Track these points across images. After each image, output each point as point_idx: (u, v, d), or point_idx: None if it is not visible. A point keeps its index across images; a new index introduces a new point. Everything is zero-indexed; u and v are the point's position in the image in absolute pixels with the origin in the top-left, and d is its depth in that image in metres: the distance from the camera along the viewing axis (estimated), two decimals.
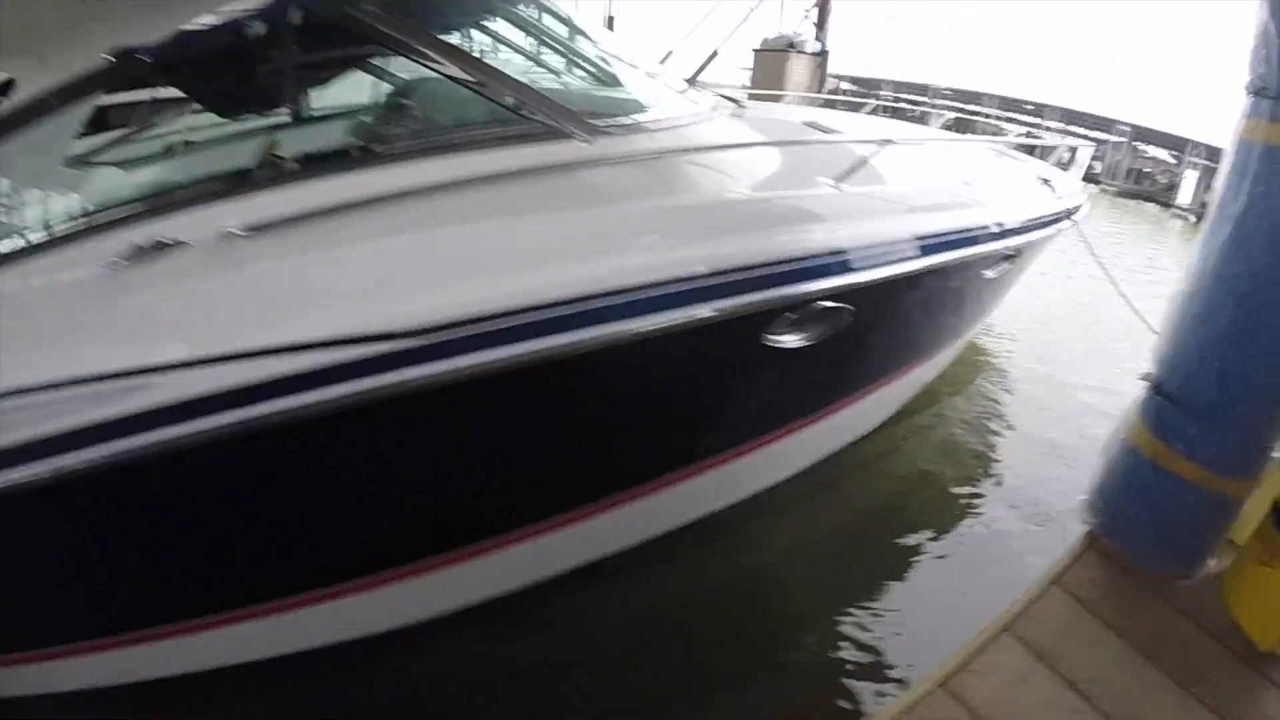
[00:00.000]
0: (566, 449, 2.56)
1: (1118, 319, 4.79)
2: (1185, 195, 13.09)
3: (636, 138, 2.54)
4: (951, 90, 21.92)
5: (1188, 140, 13.47)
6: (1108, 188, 14.95)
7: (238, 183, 2.11)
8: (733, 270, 2.36)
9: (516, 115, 2.31)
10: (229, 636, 2.36)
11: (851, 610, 2.97)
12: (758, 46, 11.16)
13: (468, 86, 2.31)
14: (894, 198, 3.23)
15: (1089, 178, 15.68)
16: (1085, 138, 17.16)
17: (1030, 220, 4.00)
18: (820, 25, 10.95)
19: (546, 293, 2.06)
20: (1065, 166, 5.27)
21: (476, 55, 2.55)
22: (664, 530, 3.15)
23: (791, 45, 10.55)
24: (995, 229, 3.58)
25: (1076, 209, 4.67)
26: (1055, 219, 4.27)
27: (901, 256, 2.94)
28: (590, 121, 2.40)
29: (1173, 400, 2.54)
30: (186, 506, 2.07)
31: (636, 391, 2.51)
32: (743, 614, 2.99)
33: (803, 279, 2.55)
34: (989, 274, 3.86)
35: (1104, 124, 15.89)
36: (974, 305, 4.30)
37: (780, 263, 2.49)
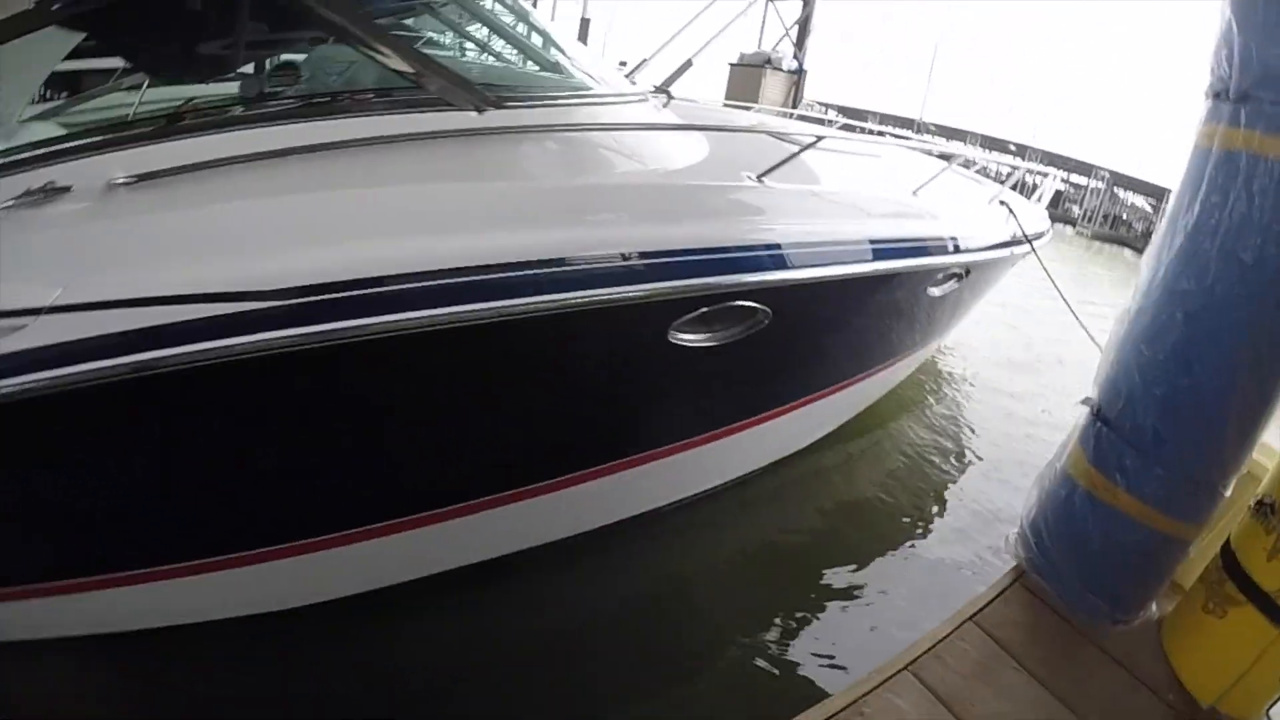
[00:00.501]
0: (437, 437, 2.36)
1: (1086, 356, 4.69)
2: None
3: (536, 112, 2.42)
4: (936, 126, 22.20)
5: (1166, 189, 13.51)
6: (1083, 231, 15.02)
7: (125, 133, 2.03)
8: (619, 257, 2.21)
9: (406, 81, 2.20)
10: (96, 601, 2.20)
11: (762, 632, 2.76)
12: (734, 61, 11.05)
13: (357, 48, 2.21)
14: (826, 199, 3.06)
15: (1065, 219, 15.90)
16: (1065, 181, 17.39)
17: (983, 239, 3.83)
18: (799, 44, 10.84)
19: (405, 264, 1.91)
20: (1030, 195, 5.20)
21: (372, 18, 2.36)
22: (563, 534, 2.94)
23: (768, 62, 10.44)
24: (940, 243, 3.39)
25: (1039, 235, 4.52)
26: (1012, 242, 4.10)
27: (826, 259, 2.75)
28: (486, 93, 2.27)
29: (1112, 427, 2.31)
30: (43, 459, 1.93)
31: (509, 380, 2.32)
32: (649, 629, 2.76)
33: (699, 272, 2.36)
34: (935, 291, 3.65)
35: (1084, 168, 16.08)
36: (920, 324, 4.10)
37: (677, 253, 2.32)
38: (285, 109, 2.18)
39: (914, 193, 3.45)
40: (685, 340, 2.53)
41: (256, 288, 1.79)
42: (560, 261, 2.10)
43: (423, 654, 2.46)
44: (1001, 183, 4.62)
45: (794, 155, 2.82)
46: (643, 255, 2.26)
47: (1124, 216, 14.94)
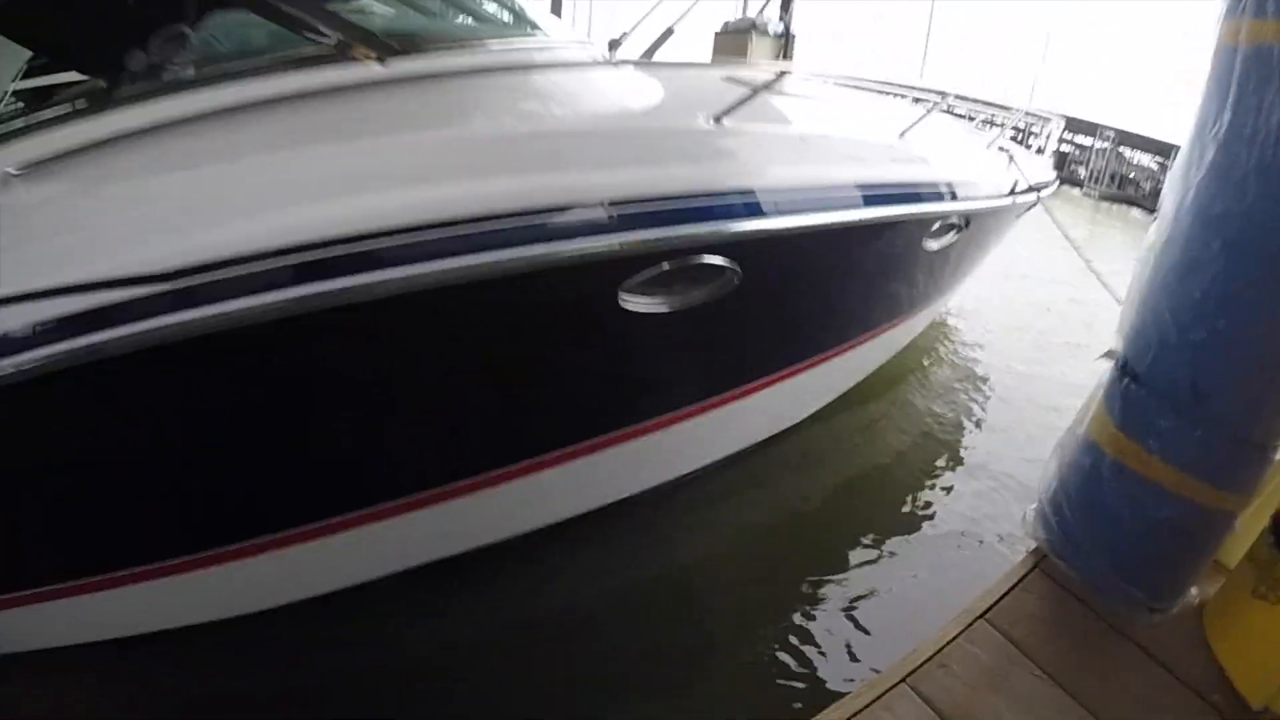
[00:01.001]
0: (366, 419, 2.14)
1: (1103, 314, 4.39)
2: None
3: (449, 58, 2.22)
4: (936, 91, 21.61)
5: (1173, 146, 13.07)
6: (1090, 192, 14.60)
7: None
8: (546, 210, 1.95)
9: (303, 39, 2.06)
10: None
11: (770, 618, 2.60)
12: (719, 30, 10.67)
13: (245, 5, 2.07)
14: (800, 141, 2.72)
15: (1072, 181, 15.43)
16: (1069, 143, 16.89)
17: (983, 187, 3.49)
18: (785, 7, 10.41)
19: (308, 232, 1.74)
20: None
21: None
22: (533, 525, 2.73)
23: (754, 27, 10.03)
24: (934, 189, 3.06)
25: (1044, 185, 4.17)
26: (1015, 190, 3.76)
27: (804, 206, 2.45)
28: (392, 42, 2.09)
29: (1141, 383, 1.96)
30: None
31: (442, 357, 2.08)
32: (652, 616, 2.61)
33: (650, 224, 2.09)
34: (932, 244, 3.31)
35: (1088, 128, 15.58)
36: (919, 282, 3.76)
37: (621, 203, 2.05)
38: (179, 80, 2.02)
39: (901, 135, 3.09)
40: (639, 305, 2.24)
41: (145, 272, 1.65)
42: (475, 219, 1.87)
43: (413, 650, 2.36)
44: (999, 128, 4.24)
45: (755, 93, 2.48)
46: (578, 207, 1.99)
47: (1131, 176, 14.48)
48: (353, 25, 2.08)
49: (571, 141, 2.13)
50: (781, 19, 10.29)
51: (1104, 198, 14.35)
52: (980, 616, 1.95)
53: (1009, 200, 3.72)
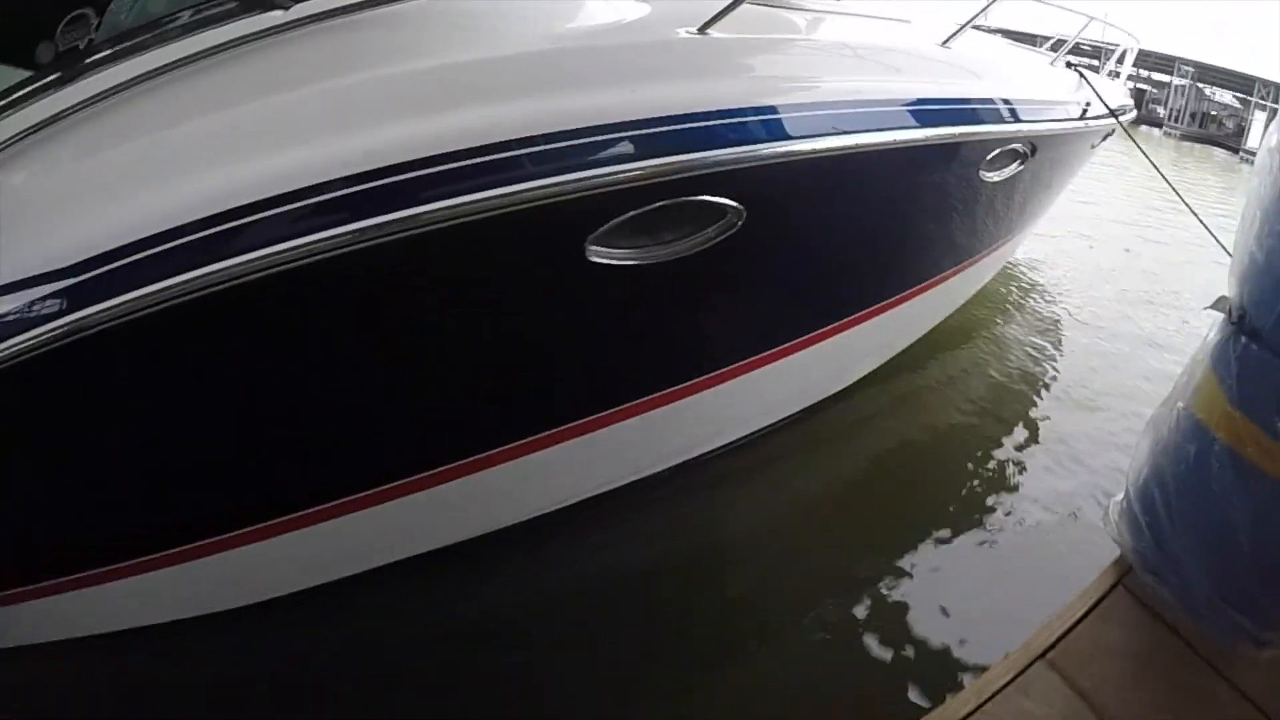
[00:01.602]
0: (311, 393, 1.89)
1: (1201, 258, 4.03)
2: (1254, 139, 11.68)
3: None
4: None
5: (1255, 79, 12.01)
6: (1170, 131, 13.61)
7: None
8: (478, 151, 1.65)
9: None
10: None
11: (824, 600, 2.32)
12: None
13: None
14: (811, 51, 2.30)
15: (1151, 120, 14.41)
16: (1148, 80, 15.73)
17: (1049, 109, 2.93)
18: None
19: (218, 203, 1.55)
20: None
21: None
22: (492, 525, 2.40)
23: None
24: (990, 106, 2.53)
25: (1122, 109, 3.57)
26: (1086, 114, 3.19)
27: (816, 129, 2.03)
28: None
29: (1266, 343, 1.44)
30: None
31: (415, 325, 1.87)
32: (703, 592, 2.37)
33: (616, 159, 1.75)
34: (991, 175, 2.77)
35: (1165, 64, 14.52)
36: (976, 221, 3.21)
37: (568, 135, 1.71)
38: (88, 61, 1.84)
39: (943, 44, 2.57)
40: (601, 257, 1.86)
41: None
42: (389, 170, 1.60)
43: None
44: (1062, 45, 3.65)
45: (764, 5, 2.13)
46: (518, 144, 1.67)
47: (1213, 114, 13.44)
48: None
49: (503, 68, 1.80)
50: None
51: (1185, 137, 13.35)
52: (1041, 656, 1.46)
53: (1081, 124, 3.17)
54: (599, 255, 1.86)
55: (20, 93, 1.80)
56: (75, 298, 1.51)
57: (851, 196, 2.32)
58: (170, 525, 1.97)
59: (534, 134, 1.67)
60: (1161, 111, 14.46)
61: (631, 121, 1.76)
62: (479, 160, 1.63)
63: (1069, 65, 3.34)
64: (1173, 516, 1.60)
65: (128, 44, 1.83)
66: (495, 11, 1.92)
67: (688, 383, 2.39)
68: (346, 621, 2.17)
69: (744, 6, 2.04)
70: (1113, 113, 3.32)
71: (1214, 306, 1.63)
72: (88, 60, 1.85)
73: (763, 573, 2.46)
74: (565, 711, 1.99)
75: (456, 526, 2.31)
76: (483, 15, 1.90)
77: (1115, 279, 5.22)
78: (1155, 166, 3.47)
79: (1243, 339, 1.50)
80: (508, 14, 1.93)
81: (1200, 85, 14.04)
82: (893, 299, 2.95)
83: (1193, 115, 13.81)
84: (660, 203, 1.84)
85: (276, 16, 1.74)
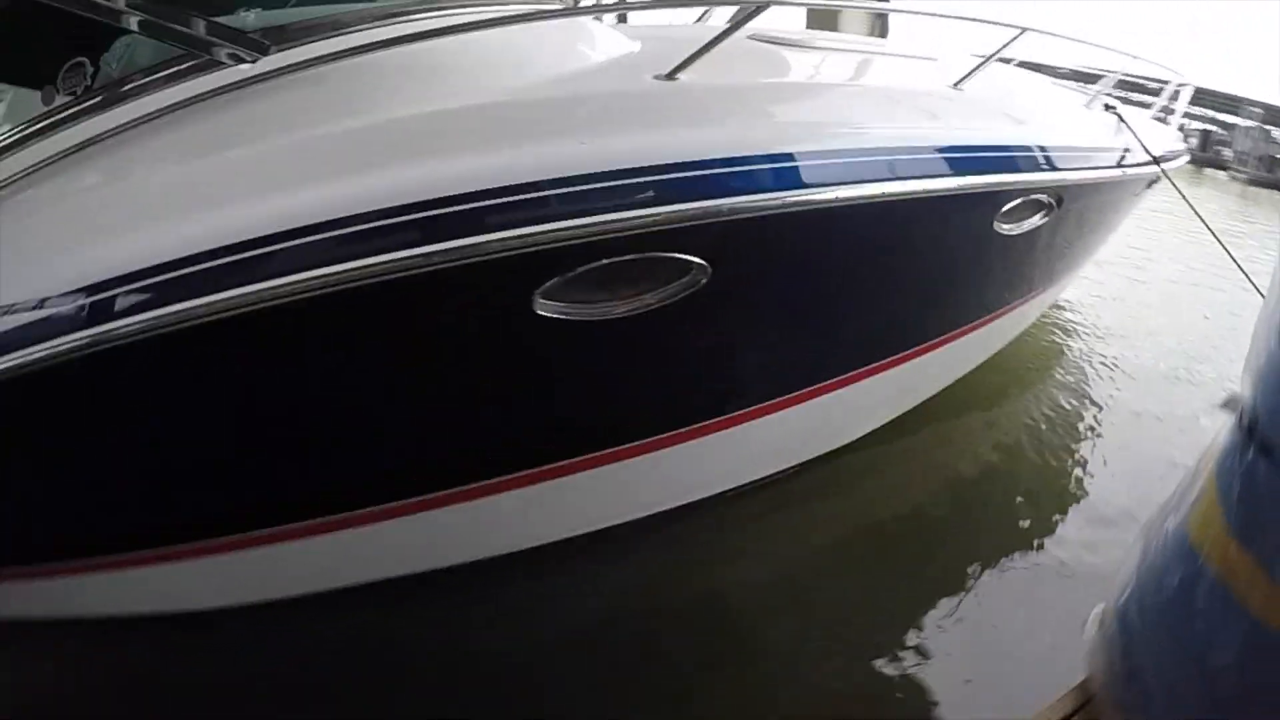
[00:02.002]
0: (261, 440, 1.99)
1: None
2: None
3: (329, 43, 1.94)
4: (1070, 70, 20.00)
5: None
6: (1237, 175, 13.08)
7: None
8: (425, 204, 1.67)
9: (179, 49, 1.96)
10: None
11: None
12: None
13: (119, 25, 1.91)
14: (791, 94, 2.25)
15: (1216, 163, 13.85)
16: (1214, 121, 15.16)
17: (1079, 154, 2.72)
18: None
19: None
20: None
21: None
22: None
23: None
24: (1004, 153, 2.35)
25: (1170, 156, 3.33)
26: (1126, 162, 2.96)
27: (779, 184, 1.94)
28: (261, 38, 1.91)
29: (1278, 462, 1.23)
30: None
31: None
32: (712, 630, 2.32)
33: (560, 214, 1.73)
34: (1008, 228, 2.56)
35: (1231, 104, 13.96)
36: (992, 277, 3.01)
37: (518, 189, 1.71)
38: (83, 107, 1.99)
39: (955, 85, 2.46)
40: (549, 310, 1.86)
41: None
42: (340, 223, 1.65)
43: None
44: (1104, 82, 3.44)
45: (723, 36, 1.99)
46: (467, 199, 1.67)
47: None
48: (220, 26, 1.91)
49: (452, 122, 1.84)
50: None
51: (1253, 182, 12.81)
52: None
53: (1118, 172, 2.94)
54: (547, 309, 1.84)
55: (25, 132, 1.99)
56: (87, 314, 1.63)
57: (832, 254, 2.20)
58: (182, 522, 2.08)
59: (474, 190, 1.67)
60: (1228, 153, 13.89)
61: (578, 176, 1.72)
62: (412, 217, 1.64)
63: (1108, 107, 3.10)
64: (1149, 647, 1.39)
65: (115, 92, 1.97)
66: (452, 64, 1.95)
67: (653, 438, 2.33)
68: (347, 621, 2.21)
69: (745, 42, 1.99)
70: (1155, 159, 3.10)
71: (1224, 406, 1.41)
72: (78, 108, 1.98)
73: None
74: None
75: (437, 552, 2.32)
76: (438, 68, 1.95)
77: (1160, 334, 5.01)
78: (1200, 218, 3.26)
79: (1250, 452, 1.28)
80: (465, 66, 1.97)
81: (1267, 127, 13.47)
82: (890, 359, 2.77)
83: (1260, 158, 13.21)
84: (605, 260, 1.80)
85: (242, 70, 1.86)
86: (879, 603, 2.45)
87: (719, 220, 1.86)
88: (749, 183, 1.88)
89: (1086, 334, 4.81)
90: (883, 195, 2.07)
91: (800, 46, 2.66)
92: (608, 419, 2.24)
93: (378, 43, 1.86)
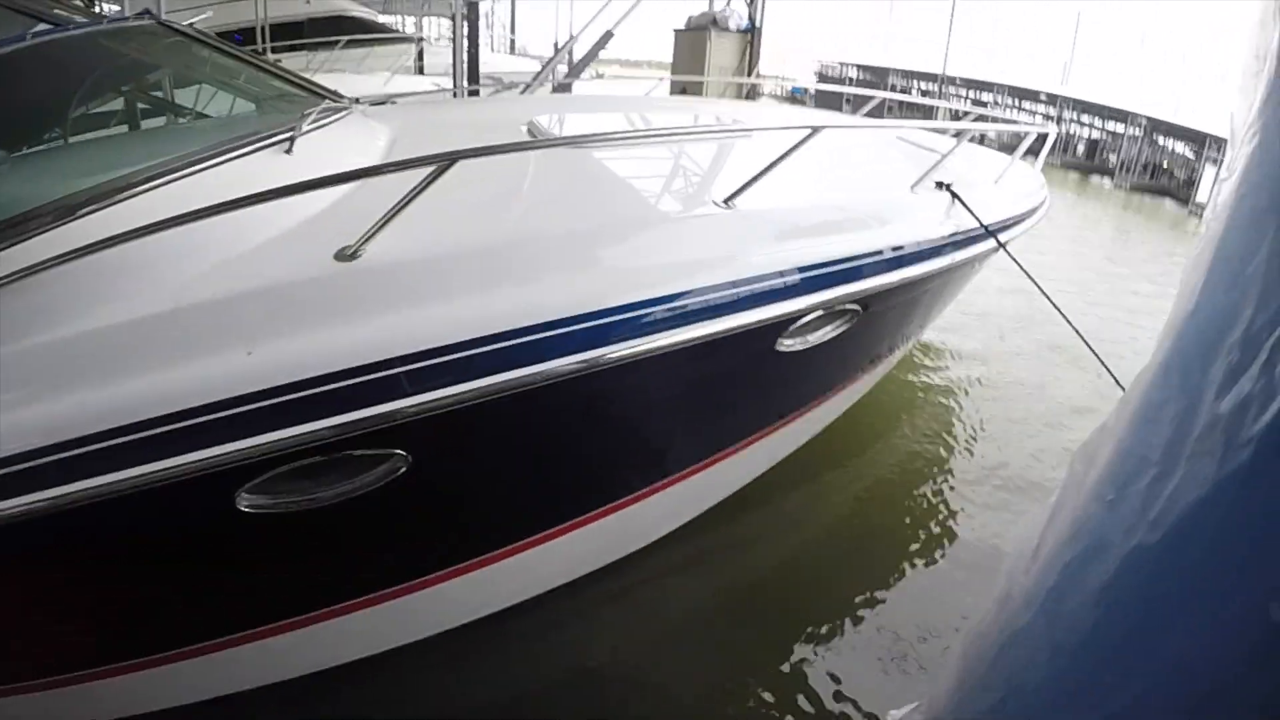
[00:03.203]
0: None
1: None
2: (1205, 192, 11.86)
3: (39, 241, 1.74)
4: (962, 79, 20.72)
5: (1208, 135, 12.21)
6: (1121, 183, 13.76)
7: None
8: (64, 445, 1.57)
9: None
10: None
11: None
12: (680, 27, 9.80)
13: None
14: (497, 258, 2.03)
15: (1103, 170, 14.53)
16: (1102, 130, 15.91)
17: (891, 247, 2.63)
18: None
19: None
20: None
21: None
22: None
23: (714, 22, 9.10)
24: (767, 279, 2.25)
25: (1014, 220, 3.35)
26: (952, 242, 2.89)
27: (465, 373, 1.82)
28: None
29: None
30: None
31: None
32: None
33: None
34: (793, 344, 2.50)
35: (1119, 116, 14.73)
36: (777, 390, 2.86)
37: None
38: None
39: (726, 201, 2.34)
40: (252, 506, 1.78)
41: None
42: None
43: None
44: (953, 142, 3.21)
45: (406, 202, 1.80)
46: (133, 429, 1.60)
47: (1164, 165, 13.65)
48: None
49: (109, 339, 1.68)
50: (750, 14, 9.29)
51: (1136, 189, 13.50)
52: None
53: (940, 262, 2.82)
54: (251, 505, 1.75)
55: None
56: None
57: (551, 422, 2.13)
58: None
59: (137, 420, 1.58)
60: (1114, 160, 14.60)
61: (246, 395, 1.62)
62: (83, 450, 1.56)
63: (941, 185, 2.95)
64: None
65: None
66: (136, 259, 1.73)
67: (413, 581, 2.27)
68: None
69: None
70: (992, 233, 3.01)
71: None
72: None
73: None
74: None
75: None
76: (104, 275, 1.72)
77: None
78: (1037, 284, 3.25)
79: None
80: (134, 269, 1.74)
81: (1154, 136, 14.20)
82: (669, 478, 2.66)
83: (1144, 165, 13.92)
84: (293, 465, 1.74)
85: None
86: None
87: (407, 419, 1.74)
88: (440, 376, 1.75)
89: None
90: (592, 366, 1.92)
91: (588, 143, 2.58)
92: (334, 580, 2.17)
93: (94, 245, 1.63)
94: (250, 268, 1.84)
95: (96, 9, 10.58)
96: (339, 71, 10.04)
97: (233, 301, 1.74)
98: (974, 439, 4.13)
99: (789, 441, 3.25)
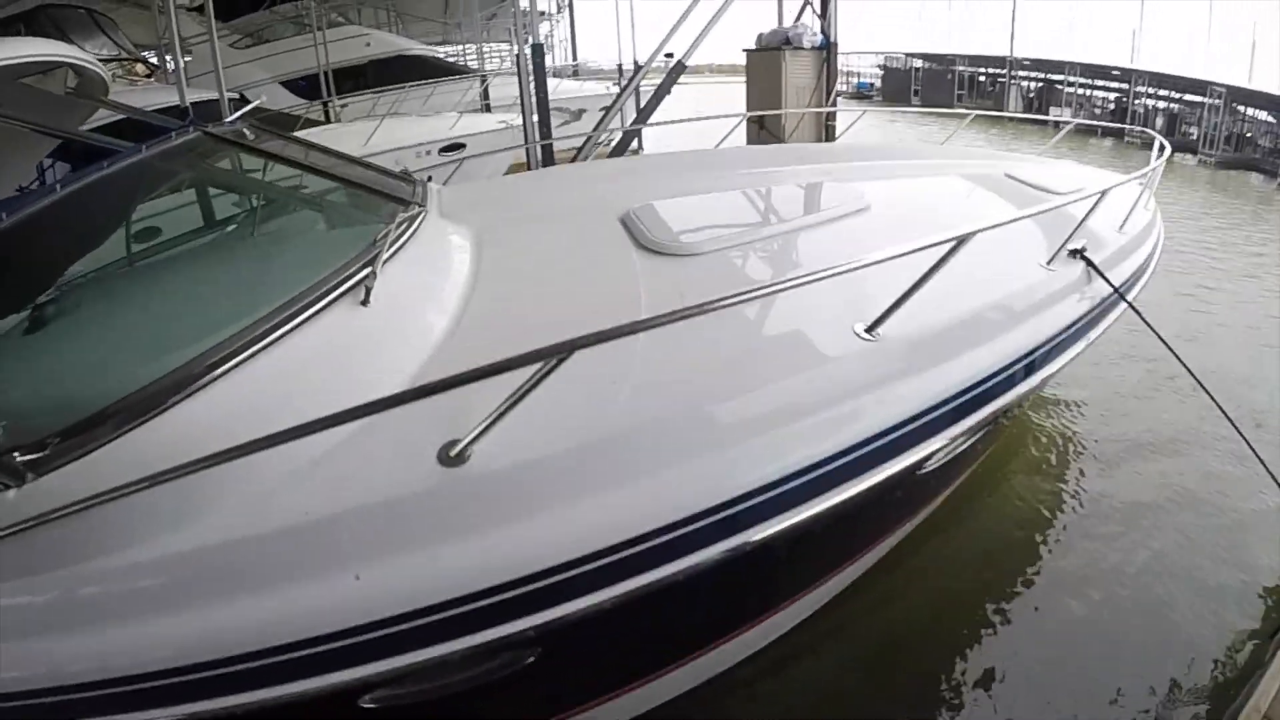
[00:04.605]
0: None
1: None
2: None
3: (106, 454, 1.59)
4: (1030, 61, 20.22)
5: None
6: (1205, 158, 13.26)
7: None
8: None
9: None
10: None
11: None
12: (749, 47, 9.64)
13: None
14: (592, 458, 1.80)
15: (1185, 147, 13.97)
16: (1179, 101, 15.33)
17: (1019, 350, 2.37)
18: (823, 13, 9.19)
19: None
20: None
21: None
22: None
23: (787, 41, 8.92)
24: (922, 415, 2.07)
25: (1136, 278, 3.11)
26: (1089, 316, 2.68)
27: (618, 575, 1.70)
28: (15, 459, 1.52)
29: None
30: None
31: None
32: None
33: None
34: (934, 465, 2.27)
35: (1197, 87, 14.22)
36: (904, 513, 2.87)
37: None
38: None
39: (869, 330, 2.12)
40: (386, 701, 1.69)
41: None
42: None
43: None
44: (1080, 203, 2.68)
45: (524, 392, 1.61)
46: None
47: (1248, 134, 13.14)
48: None
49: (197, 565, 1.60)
50: (822, 29, 9.02)
51: (1221, 164, 12.96)
52: None
53: (1079, 347, 2.63)
54: (375, 700, 1.66)
55: None
56: None
57: (688, 601, 2.02)
58: None
59: (235, 654, 1.52)
60: (1195, 133, 14.11)
61: (364, 626, 1.53)
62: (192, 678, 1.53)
63: (1075, 254, 2.71)
64: None
65: None
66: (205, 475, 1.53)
67: None
68: None
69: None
70: (1121, 294, 2.82)
71: None
72: None
73: None
74: None
75: None
76: (183, 489, 1.52)
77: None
78: (1165, 343, 2.95)
79: None
80: (217, 479, 1.54)
81: (1234, 105, 13.68)
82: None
83: (1228, 137, 13.43)
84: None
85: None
86: None
87: (536, 632, 1.63)
88: (571, 590, 1.62)
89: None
90: (736, 552, 1.77)
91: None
92: None
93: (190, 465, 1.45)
94: (343, 469, 1.67)
95: (140, 67, 10.46)
96: (405, 115, 10.28)
97: (335, 521, 1.60)
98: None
99: (915, 522, 3.22)
